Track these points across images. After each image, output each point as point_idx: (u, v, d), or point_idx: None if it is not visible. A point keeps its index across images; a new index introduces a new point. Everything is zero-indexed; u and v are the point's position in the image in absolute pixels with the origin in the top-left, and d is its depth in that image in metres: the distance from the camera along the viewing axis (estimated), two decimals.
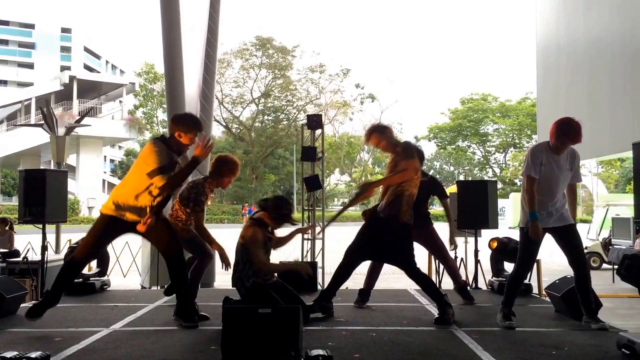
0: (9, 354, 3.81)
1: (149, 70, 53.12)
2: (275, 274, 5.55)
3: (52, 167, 37.62)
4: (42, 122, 19.36)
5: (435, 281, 8.60)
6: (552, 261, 9.49)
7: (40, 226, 7.60)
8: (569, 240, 5.28)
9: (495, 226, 7.94)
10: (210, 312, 5.91)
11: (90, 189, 46.90)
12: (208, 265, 6.02)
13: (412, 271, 5.55)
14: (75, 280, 7.21)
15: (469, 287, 8.42)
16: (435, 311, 5.95)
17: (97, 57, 79.37)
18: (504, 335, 4.91)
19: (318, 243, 9.36)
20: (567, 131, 5.17)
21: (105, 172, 62.47)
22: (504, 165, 63.83)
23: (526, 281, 7.27)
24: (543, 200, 5.22)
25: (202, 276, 6.03)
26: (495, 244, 7.88)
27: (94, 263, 7.96)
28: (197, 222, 5.76)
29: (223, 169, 5.83)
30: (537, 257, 7.92)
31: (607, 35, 13.09)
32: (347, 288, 8.77)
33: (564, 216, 5.29)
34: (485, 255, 7.93)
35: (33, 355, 3.81)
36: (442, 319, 5.36)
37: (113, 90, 54.10)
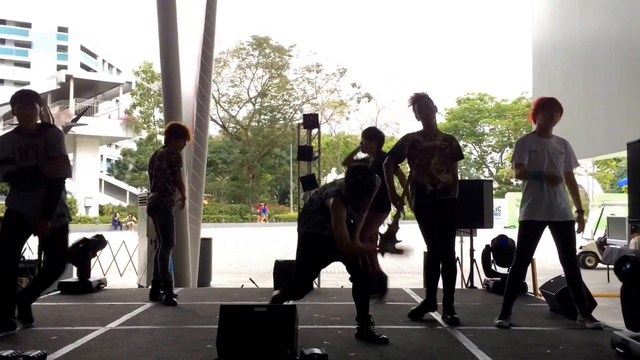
0: (5, 353, 3.81)
1: (147, 69, 53.06)
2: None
3: None
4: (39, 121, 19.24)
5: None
6: (547, 260, 9.51)
7: None
8: (566, 237, 5.26)
9: (491, 226, 7.96)
10: (206, 310, 5.93)
11: (87, 188, 46.90)
12: (170, 253, 6.52)
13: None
14: (72, 280, 7.24)
15: (464, 287, 8.46)
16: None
17: (94, 56, 79.26)
18: (498, 334, 4.93)
19: None
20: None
21: (101, 172, 62.36)
22: (500, 164, 63.88)
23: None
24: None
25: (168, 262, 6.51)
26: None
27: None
28: (179, 181, 6.46)
29: (180, 132, 6.58)
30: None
31: (602, 36, 13.11)
32: (342, 287, 8.81)
33: (565, 211, 5.24)
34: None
35: (29, 354, 3.82)
36: (454, 318, 5.35)
37: (110, 89, 54.06)
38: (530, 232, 5.27)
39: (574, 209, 5.39)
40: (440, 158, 5.50)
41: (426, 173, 5.46)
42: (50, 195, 4.83)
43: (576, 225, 5.33)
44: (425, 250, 6.62)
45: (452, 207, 5.56)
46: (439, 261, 5.49)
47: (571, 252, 5.29)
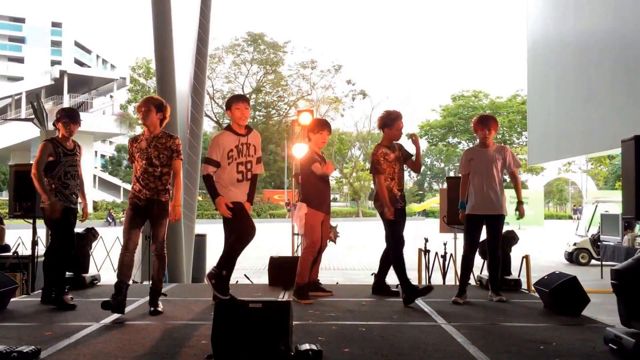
0: None
1: (144, 65, 52.82)
2: None
3: None
4: (33, 116, 19.26)
5: (424, 276, 8.67)
6: (541, 257, 9.55)
7: (31, 221, 7.58)
8: (494, 227, 6.37)
9: None
10: (201, 307, 5.93)
11: None
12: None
13: None
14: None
15: (457, 283, 8.47)
16: (424, 306, 6.00)
17: (88, 51, 78.97)
18: (492, 330, 4.95)
19: None
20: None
21: (95, 168, 62.23)
22: None
23: (515, 277, 7.33)
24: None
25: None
26: None
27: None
28: (179, 171, 5.70)
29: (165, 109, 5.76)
30: (526, 253, 8.04)
31: (597, 33, 13.13)
32: (337, 283, 8.83)
33: (497, 207, 6.32)
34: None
35: (23, 349, 3.81)
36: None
37: (104, 85, 53.93)
38: (472, 224, 6.34)
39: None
40: (401, 166, 6.46)
41: (395, 181, 6.34)
42: (255, 186, 6.01)
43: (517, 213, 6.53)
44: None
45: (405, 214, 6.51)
46: (402, 255, 6.33)
47: (495, 241, 6.39)
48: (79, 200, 6.25)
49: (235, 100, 5.86)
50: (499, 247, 6.41)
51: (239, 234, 5.70)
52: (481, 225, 6.36)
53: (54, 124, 6.16)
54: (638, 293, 4.02)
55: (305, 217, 6.32)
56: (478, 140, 6.57)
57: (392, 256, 6.27)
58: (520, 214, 6.48)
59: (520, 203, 6.48)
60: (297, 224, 6.74)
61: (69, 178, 6.00)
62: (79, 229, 7.69)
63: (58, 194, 5.91)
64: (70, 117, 6.04)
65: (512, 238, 7.46)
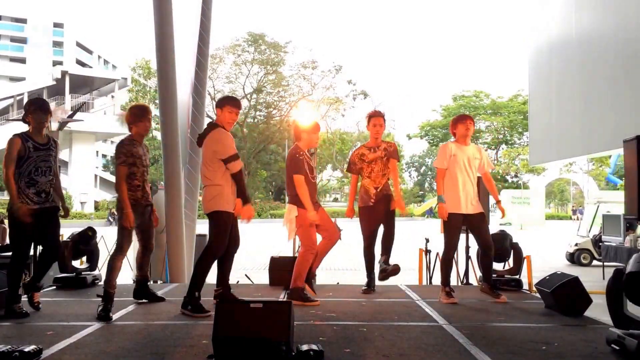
0: (0, 348, 3.81)
1: (144, 66, 52.81)
2: None
3: None
4: None
5: (425, 276, 8.67)
6: (542, 257, 9.52)
7: None
8: (479, 225, 6.43)
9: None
10: None
11: (82, 184, 46.82)
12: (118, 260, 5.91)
13: None
14: (67, 275, 7.21)
15: (460, 284, 8.46)
16: (425, 306, 6.00)
17: (89, 52, 78.97)
18: (494, 331, 4.94)
19: None
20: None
21: (97, 167, 62.30)
22: (495, 162, 63.88)
23: (516, 277, 7.33)
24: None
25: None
26: None
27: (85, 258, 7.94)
28: (116, 179, 5.76)
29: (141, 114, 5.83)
30: (527, 254, 8.03)
31: (598, 32, 13.11)
32: (337, 283, 8.82)
33: (476, 205, 6.42)
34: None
35: (25, 349, 3.81)
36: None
37: (105, 85, 53.97)
38: (453, 223, 6.31)
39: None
40: (381, 165, 6.76)
41: (370, 179, 6.76)
42: None
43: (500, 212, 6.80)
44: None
45: (389, 202, 6.76)
46: (373, 249, 6.87)
47: (484, 237, 6.40)
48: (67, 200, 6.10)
49: (229, 103, 5.74)
50: (489, 243, 6.42)
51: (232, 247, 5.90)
52: (461, 224, 6.39)
53: (23, 120, 5.73)
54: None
55: (296, 220, 6.14)
56: (457, 137, 6.53)
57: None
58: (502, 213, 6.79)
59: (498, 202, 6.62)
60: (286, 228, 6.34)
61: (39, 174, 5.52)
62: (78, 228, 7.73)
63: (21, 194, 5.44)
64: (38, 104, 5.67)
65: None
